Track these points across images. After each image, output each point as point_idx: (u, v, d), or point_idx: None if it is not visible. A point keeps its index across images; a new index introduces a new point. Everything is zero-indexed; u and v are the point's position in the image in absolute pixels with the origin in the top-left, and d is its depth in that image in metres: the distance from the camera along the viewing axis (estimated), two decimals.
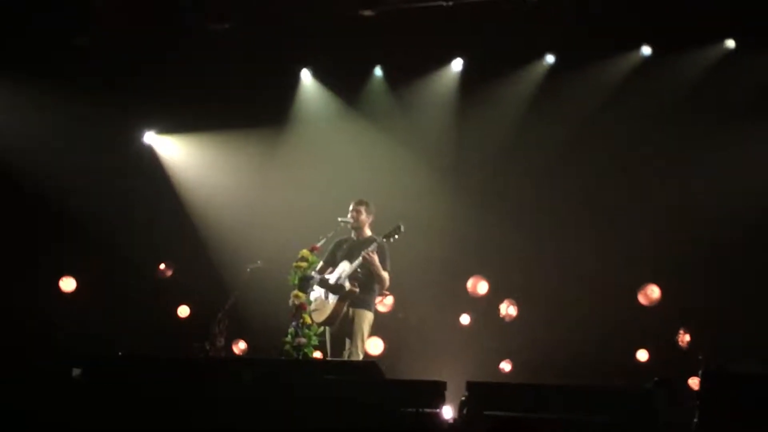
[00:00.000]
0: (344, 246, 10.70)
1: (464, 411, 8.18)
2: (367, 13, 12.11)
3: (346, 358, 10.34)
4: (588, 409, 7.94)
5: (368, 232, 10.71)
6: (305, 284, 10.36)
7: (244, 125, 13.67)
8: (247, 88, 13.35)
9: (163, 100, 13.81)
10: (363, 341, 10.55)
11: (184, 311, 14.00)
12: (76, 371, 8.84)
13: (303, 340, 10.18)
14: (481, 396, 8.32)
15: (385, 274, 10.46)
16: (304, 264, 10.43)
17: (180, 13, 12.78)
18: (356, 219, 10.63)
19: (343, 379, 8.58)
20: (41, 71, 13.11)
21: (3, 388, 8.68)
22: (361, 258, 10.29)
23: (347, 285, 10.33)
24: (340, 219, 10.64)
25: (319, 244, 10.57)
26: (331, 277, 10.51)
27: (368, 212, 10.68)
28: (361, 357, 10.50)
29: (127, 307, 13.62)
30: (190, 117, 13.90)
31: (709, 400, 7.79)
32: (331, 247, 10.72)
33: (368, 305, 10.57)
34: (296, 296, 10.30)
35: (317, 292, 10.51)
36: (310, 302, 10.37)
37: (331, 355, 10.50)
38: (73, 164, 13.53)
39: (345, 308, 10.40)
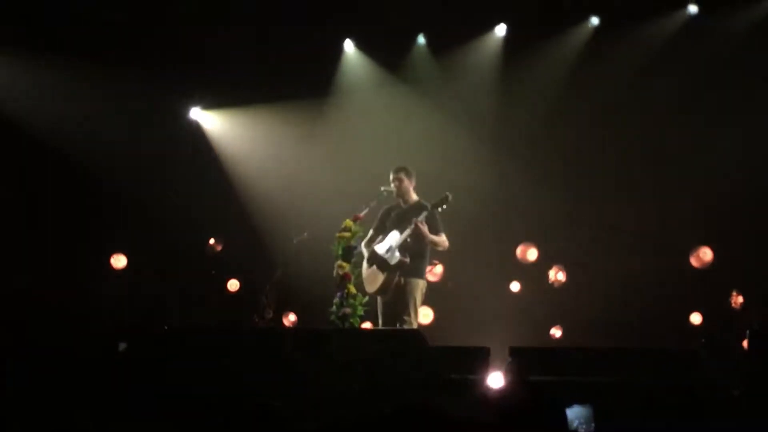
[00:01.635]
0: (392, 214, 10.62)
1: (508, 376, 8.15)
2: None
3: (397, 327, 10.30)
4: (634, 371, 7.87)
5: (414, 197, 10.63)
6: (349, 254, 10.33)
7: (288, 97, 13.64)
8: (290, 59, 13.30)
9: (206, 75, 13.81)
10: (416, 310, 10.48)
11: (233, 285, 14.06)
12: (122, 345, 8.93)
13: (348, 310, 10.17)
14: (526, 361, 8.29)
15: (441, 238, 10.37)
16: (347, 234, 10.40)
17: None
18: (398, 187, 10.56)
19: (387, 347, 8.57)
20: (83, 49, 13.15)
21: (54, 362, 8.79)
22: (411, 228, 10.22)
23: (398, 255, 10.26)
24: (382, 188, 10.59)
25: (362, 214, 10.53)
26: (381, 247, 10.43)
27: (409, 178, 10.60)
28: (415, 326, 10.43)
29: (178, 283, 13.71)
30: (234, 91, 13.88)
31: (757, 358, 7.68)
32: (380, 214, 10.66)
33: (420, 273, 10.49)
34: (340, 266, 10.29)
35: (368, 264, 10.46)
36: (354, 272, 10.34)
37: (383, 325, 10.45)
38: (120, 141, 13.59)
39: (396, 278, 10.35)
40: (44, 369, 8.60)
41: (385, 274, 10.31)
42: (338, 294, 10.28)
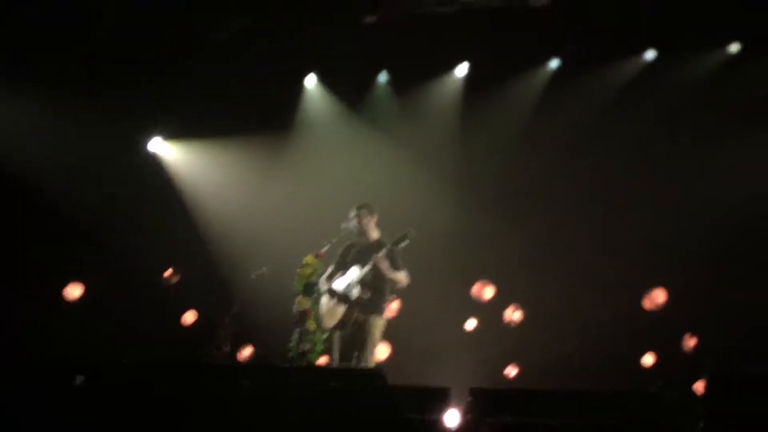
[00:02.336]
0: (353, 251, 10.71)
1: (467, 417, 8.17)
2: (371, 19, 12.08)
3: (356, 364, 10.33)
4: (592, 413, 7.92)
5: (375, 234, 10.72)
6: (309, 290, 10.36)
7: (250, 131, 13.67)
8: (252, 93, 13.34)
9: (168, 106, 13.80)
10: (373, 347, 10.57)
11: (190, 317, 13.98)
12: (79, 378, 8.84)
13: (307, 346, 10.19)
14: (485, 401, 8.32)
15: (401, 275, 10.48)
16: (308, 270, 10.43)
17: (185, 19, 12.77)
18: (359, 224, 10.64)
19: (347, 385, 8.58)
20: (45, 76, 13.10)
21: (6, 394, 8.69)
22: (371, 263, 10.29)
23: (357, 291, 10.33)
24: (343, 225, 10.65)
25: (323, 251, 10.57)
26: (341, 283, 10.50)
27: (370, 215, 10.69)
28: (372, 363, 10.49)
29: (133, 314, 13.59)
30: (195, 123, 13.89)
31: (715, 403, 7.76)
32: (340, 251, 10.73)
33: (379, 310, 10.58)
34: (300, 302, 10.31)
35: (327, 298, 10.50)
36: (314, 308, 10.36)
37: (341, 361, 10.48)
38: (78, 170, 13.52)
39: (356, 313, 10.39)
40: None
41: (345, 309, 10.38)
42: (297, 330, 10.30)
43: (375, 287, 10.45)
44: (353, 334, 10.46)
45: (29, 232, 13.79)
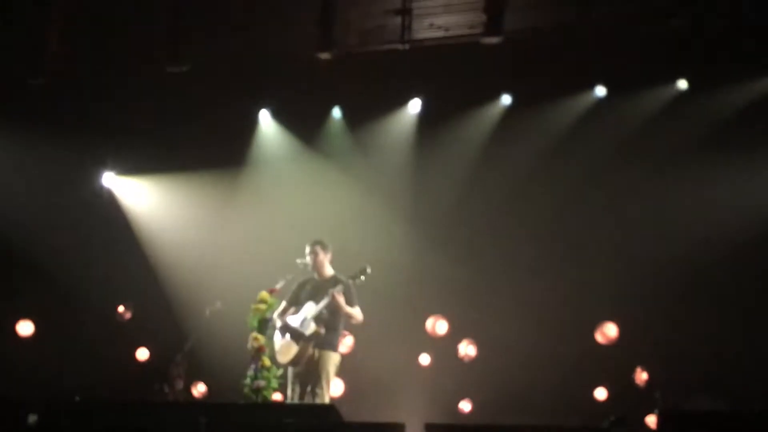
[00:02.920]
0: (307, 287, 10.74)
1: None
2: (325, 56, 12.16)
3: (310, 400, 10.32)
4: None
5: (330, 271, 10.77)
6: (264, 326, 10.36)
7: (203, 166, 13.67)
8: (205, 128, 13.36)
9: (121, 141, 13.79)
10: (328, 383, 10.58)
11: (143, 354, 13.91)
12: (32, 417, 8.78)
13: (262, 382, 10.18)
14: None
15: (355, 310, 10.53)
16: (263, 306, 10.44)
17: (136, 55, 12.78)
18: (314, 260, 10.69)
19: (302, 421, 8.59)
20: None
21: None
22: (327, 299, 10.33)
23: (312, 327, 10.36)
24: (298, 261, 10.69)
25: (278, 286, 10.60)
26: (295, 319, 10.52)
27: (325, 251, 10.76)
28: (327, 399, 10.50)
29: (86, 350, 13.52)
30: (148, 158, 13.89)
31: None
32: (294, 287, 10.75)
33: (333, 346, 10.61)
34: (255, 339, 10.31)
35: (281, 334, 10.50)
36: (269, 345, 10.36)
37: (296, 398, 10.48)
38: (31, 205, 13.48)
39: (310, 349, 10.41)
40: None
41: (300, 344, 10.39)
42: (252, 366, 10.29)
43: (330, 323, 10.48)
44: (307, 370, 10.48)
45: None
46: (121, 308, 14.06)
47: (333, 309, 10.42)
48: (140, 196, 14.31)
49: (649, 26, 11.47)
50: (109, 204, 14.20)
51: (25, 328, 14.02)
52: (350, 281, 10.46)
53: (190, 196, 13.97)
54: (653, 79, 12.44)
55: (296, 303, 10.68)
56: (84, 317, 13.80)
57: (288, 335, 10.48)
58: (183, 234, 13.90)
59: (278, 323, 10.57)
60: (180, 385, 12.30)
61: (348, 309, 10.44)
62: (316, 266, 10.71)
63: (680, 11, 11.06)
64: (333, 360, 10.56)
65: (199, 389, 13.36)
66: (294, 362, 10.44)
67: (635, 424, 10.52)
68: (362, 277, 10.45)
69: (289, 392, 10.59)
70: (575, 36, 11.72)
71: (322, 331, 10.36)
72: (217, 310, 12.01)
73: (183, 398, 12.29)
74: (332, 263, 10.84)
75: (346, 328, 11.11)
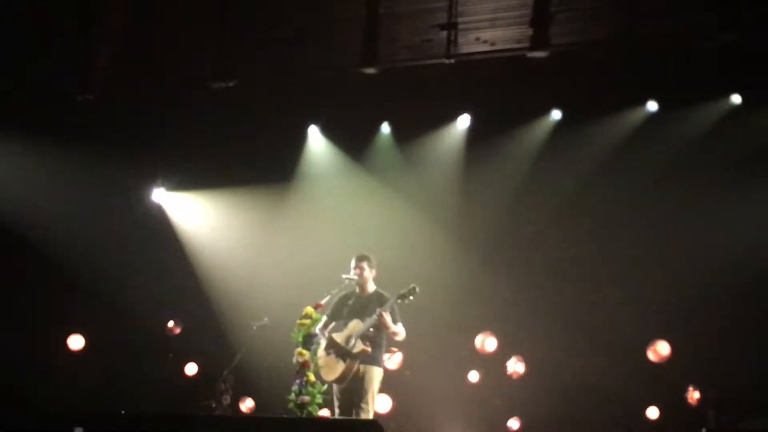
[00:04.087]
0: (349, 302, 10.68)
1: None
2: (370, 70, 12.14)
3: (356, 416, 10.27)
4: None
5: (372, 287, 10.71)
6: (309, 342, 10.32)
7: (252, 181, 13.72)
8: (254, 144, 13.41)
9: (171, 157, 13.90)
10: (373, 399, 10.52)
11: (191, 369, 13.95)
12: (78, 430, 8.82)
13: (306, 398, 10.11)
14: None
15: (398, 327, 10.45)
16: (308, 321, 10.38)
17: (184, 71, 12.87)
18: (360, 275, 10.64)
19: None
20: (47, 129, 13.21)
21: None
22: (374, 317, 10.29)
23: (359, 345, 10.32)
24: (344, 276, 10.64)
25: (323, 302, 10.54)
26: (341, 336, 10.48)
27: (371, 267, 10.70)
28: (371, 415, 10.44)
29: (135, 365, 13.61)
30: (198, 174, 13.98)
31: None
32: (335, 301, 10.69)
33: (378, 362, 10.55)
34: (300, 354, 10.25)
35: (326, 351, 10.47)
36: (314, 360, 10.32)
37: (340, 413, 10.44)
38: (81, 221, 13.61)
39: (356, 366, 10.38)
40: None
41: (346, 362, 10.35)
42: (297, 381, 10.23)
43: (374, 340, 10.44)
44: (352, 386, 10.43)
45: (33, 283, 13.86)
46: (170, 323, 14.12)
47: (379, 327, 10.39)
48: (190, 211, 14.40)
49: (698, 40, 11.29)
50: (159, 219, 14.28)
51: (76, 342, 14.13)
52: (399, 300, 10.41)
53: (239, 211, 14.02)
54: (705, 94, 12.27)
55: (338, 318, 10.64)
56: (133, 332, 13.89)
57: (332, 352, 10.44)
58: (231, 249, 13.96)
59: (323, 339, 10.52)
60: (227, 400, 12.34)
61: (393, 327, 10.40)
62: (361, 282, 10.66)
63: (731, 25, 10.85)
64: (377, 375, 10.51)
65: (247, 404, 13.36)
66: (340, 380, 10.40)
67: None
68: (411, 297, 10.40)
69: (336, 409, 10.53)
70: (623, 50, 11.59)
71: (369, 349, 10.33)
72: (264, 326, 12.04)
73: (230, 413, 12.31)
74: (378, 279, 10.78)
75: (393, 344, 11.06)
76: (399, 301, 10.41)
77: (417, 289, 10.38)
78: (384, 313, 10.29)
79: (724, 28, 10.91)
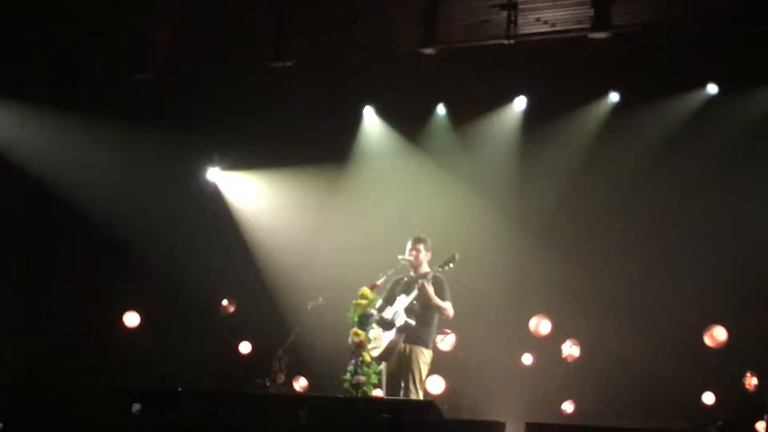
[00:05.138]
0: (402, 283, 10.69)
1: None
2: (429, 51, 12.09)
3: (402, 397, 10.27)
4: None
5: (426, 269, 10.70)
6: (365, 322, 10.34)
7: (307, 162, 13.73)
8: (310, 124, 13.40)
9: (226, 136, 13.94)
10: (420, 380, 10.48)
11: (245, 347, 14.02)
12: (136, 406, 8.90)
13: (362, 378, 10.13)
14: None
15: (446, 304, 10.42)
16: (364, 302, 10.40)
17: (241, 50, 12.90)
18: (416, 258, 10.63)
19: (401, 417, 8.53)
20: (105, 107, 13.32)
21: (66, 421, 8.78)
22: (416, 290, 10.28)
23: (403, 317, 10.32)
24: (400, 257, 10.65)
25: (379, 282, 10.55)
26: (388, 312, 10.49)
27: (426, 249, 10.70)
28: (420, 396, 10.44)
29: (190, 343, 13.71)
30: (253, 153, 14.01)
31: None
32: (389, 285, 10.71)
33: (425, 342, 10.52)
34: (356, 334, 10.28)
35: (376, 330, 10.48)
36: (369, 340, 10.33)
37: (387, 393, 10.45)
38: (138, 199, 13.71)
39: (400, 343, 10.36)
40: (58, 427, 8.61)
41: (390, 338, 10.33)
42: (352, 361, 10.25)
43: (421, 317, 10.41)
44: (399, 366, 10.42)
45: (90, 261, 14.00)
46: (224, 302, 14.20)
47: (424, 302, 10.35)
48: (245, 191, 14.45)
49: (761, 23, 11.12)
50: (215, 199, 14.35)
51: (132, 319, 14.25)
52: (439, 270, 10.37)
53: (294, 191, 14.06)
54: (765, 77, 12.09)
55: (391, 300, 10.65)
56: (188, 310, 13.98)
57: (380, 328, 10.45)
58: (286, 229, 13.99)
59: (375, 318, 10.53)
60: (281, 379, 12.40)
61: (437, 301, 10.34)
62: (416, 264, 10.65)
63: None
64: (423, 356, 10.46)
65: (301, 384, 13.41)
66: (384, 357, 10.37)
67: (745, 429, 10.24)
68: (451, 265, 10.36)
69: (384, 388, 10.53)
70: (685, 32, 11.44)
71: (412, 322, 10.29)
72: (319, 305, 12.07)
73: (284, 392, 12.36)
74: (432, 262, 10.76)
75: (443, 325, 11.03)
76: (439, 269, 10.37)
77: (456, 257, 10.36)
78: (426, 284, 10.26)
79: None
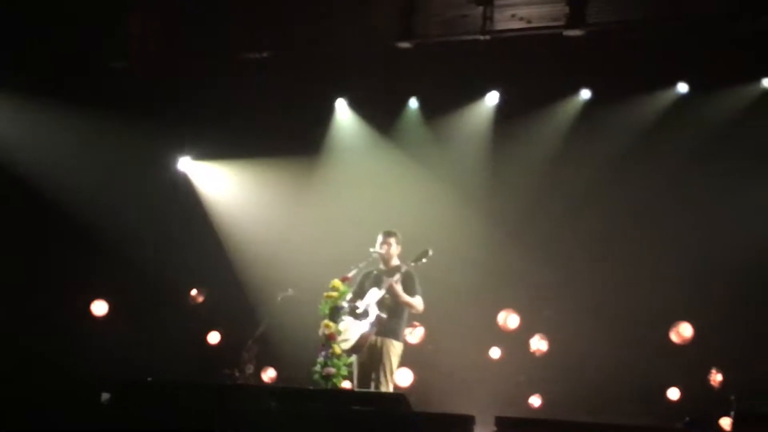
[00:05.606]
0: (372, 276, 10.72)
1: None
2: (405, 45, 12.12)
3: (373, 389, 10.31)
4: None
5: (396, 262, 10.73)
6: (335, 314, 10.36)
7: (279, 153, 13.72)
8: (282, 116, 13.40)
9: (198, 126, 13.90)
10: (391, 372, 10.53)
11: (214, 337, 14.01)
12: (105, 396, 8.87)
13: (332, 370, 10.16)
14: (510, 431, 8.29)
15: (416, 300, 10.47)
16: (335, 294, 10.41)
17: (216, 41, 12.87)
18: (387, 251, 10.66)
19: (371, 410, 8.56)
20: (78, 95, 13.23)
21: (32, 412, 8.72)
22: (385, 285, 10.32)
23: (375, 311, 10.35)
24: (372, 250, 10.67)
25: (350, 275, 10.56)
26: (360, 305, 10.51)
27: (397, 243, 10.74)
28: (390, 388, 10.48)
29: (158, 333, 13.66)
30: (225, 144, 13.98)
31: None
32: (359, 278, 10.73)
33: (396, 335, 10.57)
34: (326, 326, 10.29)
35: (346, 322, 10.50)
36: (340, 332, 10.35)
37: (358, 386, 10.49)
38: (108, 188, 13.65)
39: (372, 336, 10.39)
40: (25, 417, 8.55)
41: (361, 331, 10.36)
42: (322, 353, 10.28)
43: (393, 310, 10.45)
44: (370, 358, 10.46)
45: (58, 250, 13.92)
46: (193, 291, 14.17)
47: (394, 296, 10.40)
48: (216, 181, 14.43)
49: (735, 24, 11.23)
50: (185, 188, 14.31)
51: (100, 308, 14.20)
52: (411, 267, 10.41)
53: (265, 182, 14.05)
54: (737, 77, 12.20)
55: (361, 294, 10.66)
56: (157, 299, 13.94)
57: (351, 322, 10.47)
58: (257, 220, 13.98)
59: (345, 311, 10.55)
60: (250, 369, 12.40)
61: (406, 298, 10.39)
62: (386, 257, 10.68)
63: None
64: (395, 349, 10.52)
65: (269, 374, 13.42)
66: (355, 349, 10.40)
67: (711, 426, 10.34)
68: (424, 260, 10.40)
69: (355, 380, 10.57)
70: (658, 31, 11.54)
71: (384, 315, 10.33)
72: (289, 297, 12.08)
73: (253, 383, 12.36)
74: (403, 255, 10.79)
75: (415, 318, 11.08)
76: (412, 264, 10.42)
77: (430, 252, 10.40)
78: (393, 283, 10.31)
79: (762, 12, 10.86)
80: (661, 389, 12.37)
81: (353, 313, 10.46)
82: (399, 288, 10.35)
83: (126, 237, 13.79)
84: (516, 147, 13.11)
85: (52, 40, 13.05)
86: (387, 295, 10.40)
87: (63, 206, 13.73)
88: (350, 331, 10.43)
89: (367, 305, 10.45)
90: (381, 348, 10.45)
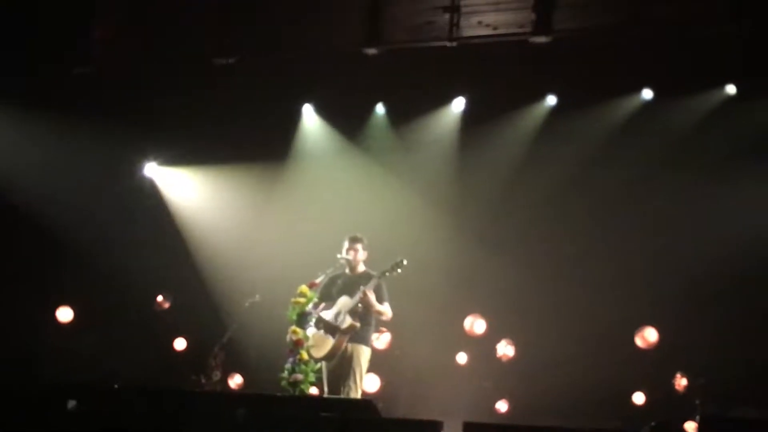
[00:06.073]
0: (339, 281, 10.72)
1: None
2: (371, 51, 12.13)
3: (344, 395, 10.31)
4: None
5: (362, 268, 10.75)
6: (303, 320, 10.35)
7: (246, 159, 13.70)
8: (249, 122, 13.38)
9: (164, 131, 13.84)
10: (361, 377, 10.57)
11: (180, 344, 13.95)
12: (71, 403, 8.82)
13: (300, 376, 10.14)
14: None
15: (385, 307, 10.50)
16: (302, 300, 10.40)
17: (183, 46, 12.83)
18: (353, 257, 10.67)
19: (339, 416, 8.56)
20: (43, 101, 13.15)
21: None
22: (359, 293, 10.33)
23: (348, 320, 10.35)
24: (339, 256, 10.67)
25: (317, 281, 10.57)
26: (330, 313, 10.51)
27: (364, 248, 10.75)
28: (359, 394, 10.50)
29: (124, 339, 13.59)
30: (191, 150, 13.92)
31: None
32: (325, 282, 10.71)
33: (366, 341, 10.60)
34: (294, 332, 10.28)
35: (315, 328, 10.50)
36: (307, 338, 10.34)
37: (329, 392, 10.49)
38: (74, 194, 13.55)
39: (345, 343, 10.41)
40: None
41: (335, 339, 10.37)
42: (290, 359, 10.26)
43: (364, 318, 10.48)
44: (341, 364, 10.47)
45: (23, 255, 13.82)
46: (159, 297, 14.11)
47: (366, 304, 10.43)
48: (182, 186, 14.37)
49: (698, 29, 11.33)
50: (151, 194, 14.24)
51: (65, 314, 14.10)
52: (381, 277, 10.44)
53: (232, 188, 14.02)
54: (701, 83, 12.31)
55: (327, 298, 10.67)
56: (123, 305, 13.87)
57: (323, 330, 10.47)
58: (224, 226, 13.95)
59: (312, 317, 10.55)
60: (217, 376, 12.36)
61: (378, 306, 10.44)
62: (353, 262, 10.69)
63: (732, 15, 10.90)
64: (365, 354, 10.56)
65: (236, 381, 13.38)
66: (329, 357, 10.43)
67: (675, 430, 10.43)
68: (399, 270, 10.43)
69: (325, 387, 10.57)
70: (624, 38, 11.62)
71: (358, 324, 10.36)
72: (256, 303, 12.05)
73: (220, 389, 12.33)
74: (370, 260, 10.81)
75: (382, 324, 11.10)
76: (387, 274, 10.45)
77: (404, 262, 10.43)
78: (367, 291, 10.34)
79: (725, 17, 10.96)
80: (627, 394, 12.44)
81: (324, 322, 10.45)
82: (372, 297, 10.38)
83: (92, 243, 13.71)
84: (482, 153, 13.17)
85: (18, 44, 12.95)
86: (360, 305, 10.40)
87: (28, 212, 13.63)
88: (322, 338, 10.42)
89: (338, 313, 10.44)
90: (351, 354, 10.46)
